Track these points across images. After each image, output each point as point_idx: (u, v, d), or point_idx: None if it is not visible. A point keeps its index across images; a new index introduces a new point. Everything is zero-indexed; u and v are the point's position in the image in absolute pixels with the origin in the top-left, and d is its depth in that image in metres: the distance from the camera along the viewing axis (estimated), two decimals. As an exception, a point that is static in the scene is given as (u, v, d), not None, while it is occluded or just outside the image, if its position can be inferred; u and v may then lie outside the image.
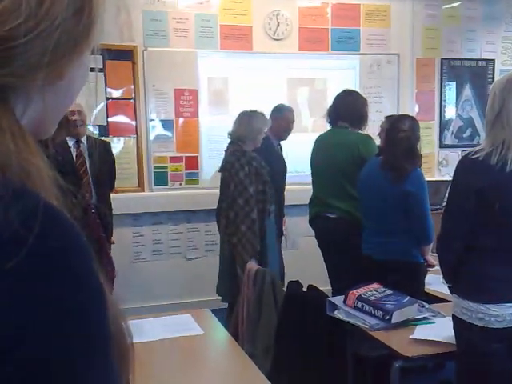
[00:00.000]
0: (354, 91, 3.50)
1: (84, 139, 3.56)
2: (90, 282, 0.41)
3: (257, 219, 3.18)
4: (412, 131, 2.80)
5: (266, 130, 3.46)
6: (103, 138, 4.15)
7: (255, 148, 3.39)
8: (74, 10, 0.44)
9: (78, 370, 0.39)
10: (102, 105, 4.32)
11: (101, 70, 4.30)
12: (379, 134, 3.13)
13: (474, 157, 1.79)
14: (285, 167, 3.87)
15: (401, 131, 2.78)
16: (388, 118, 3.08)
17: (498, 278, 1.79)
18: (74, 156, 3.58)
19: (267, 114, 3.67)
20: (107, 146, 3.87)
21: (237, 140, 3.35)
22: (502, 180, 1.74)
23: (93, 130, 4.32)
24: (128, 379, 0.51)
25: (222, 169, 3.34)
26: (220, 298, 3.45)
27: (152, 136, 4.49)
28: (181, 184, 4.58)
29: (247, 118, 3.40)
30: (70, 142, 3.56)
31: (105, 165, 3.74)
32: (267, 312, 2.74)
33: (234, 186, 3.19)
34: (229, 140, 3.44)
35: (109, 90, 4.35)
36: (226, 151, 3.39)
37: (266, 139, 3.72)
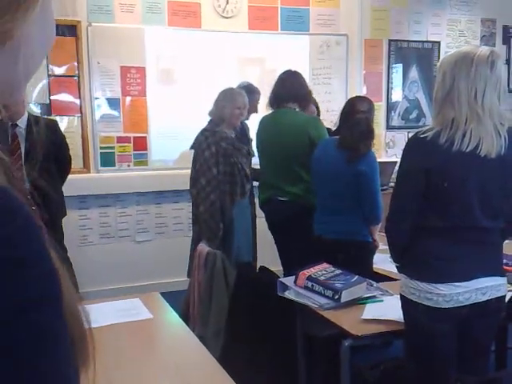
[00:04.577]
0: (297, 71, 3.44)
1: (23, 121, 3.21)
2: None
3: (217, 201, 3.14)
4: (370, 113, 2.83)
5: (234, 106, 3.31)
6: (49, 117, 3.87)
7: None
8: None
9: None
10: (43, 82, 4.15)
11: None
12: None
13: (422, 136, 1.78)
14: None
15: (360, 112, 2.79)
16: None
17: (445, 257, 1.80)
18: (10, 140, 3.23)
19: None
20: (53, 126, 3.49)
21: (212, 119, 3.34)
22: (449, 159, 1.74)
23: (35, 109, 4.13)
24: (86, 364, 0.47)
25: (192, 146, 3.35)
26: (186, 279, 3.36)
27: (97, 115, 4.34)
28: (129, 165, 4.47)
29: (217, 96, 3.37)
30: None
31: (51, 148, 3.51)
32: (218, 295, 2.73)
33: (199, 165, 3.19)
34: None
35: (51, 66, 4.16)
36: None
37: None
